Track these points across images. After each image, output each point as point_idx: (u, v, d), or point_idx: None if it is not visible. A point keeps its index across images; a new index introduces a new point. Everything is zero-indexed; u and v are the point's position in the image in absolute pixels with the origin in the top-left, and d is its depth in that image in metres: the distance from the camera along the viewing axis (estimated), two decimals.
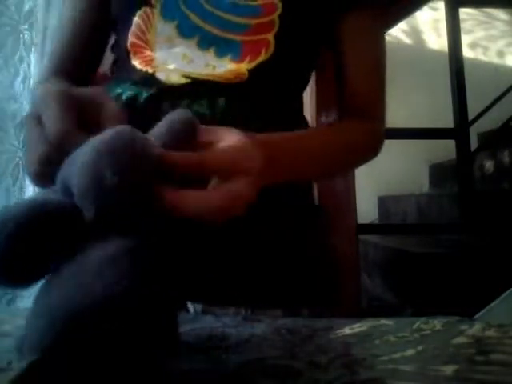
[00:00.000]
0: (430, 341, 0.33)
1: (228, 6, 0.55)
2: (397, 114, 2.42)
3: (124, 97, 0.55)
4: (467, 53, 2.45)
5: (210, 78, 0.53)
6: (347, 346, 0.33)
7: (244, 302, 0.51)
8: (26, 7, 1.36)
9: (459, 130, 1.63)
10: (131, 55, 0.57)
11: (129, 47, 0.57)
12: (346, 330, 0.36)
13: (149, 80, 0.54)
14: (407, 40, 2.86)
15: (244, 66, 0.54)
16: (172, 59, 0.55)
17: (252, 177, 0.34)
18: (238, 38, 0.54)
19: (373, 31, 0.62)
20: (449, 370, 0.27)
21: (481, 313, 1.25)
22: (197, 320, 0.39)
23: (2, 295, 1.06)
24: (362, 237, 1.59)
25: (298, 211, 0.59)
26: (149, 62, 0.56)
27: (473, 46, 2.86)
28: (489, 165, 2.12)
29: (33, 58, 1.44)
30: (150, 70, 0.55)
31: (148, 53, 0.56)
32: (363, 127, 0.59)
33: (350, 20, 0.60)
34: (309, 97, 0.88)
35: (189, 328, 0.36)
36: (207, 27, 0.55)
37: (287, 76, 0.59)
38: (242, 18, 0.55)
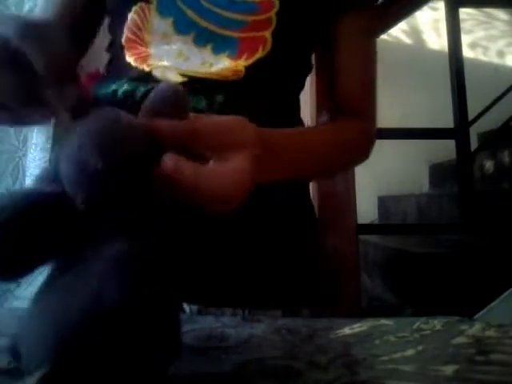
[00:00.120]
0: (430, 341, 0.32)
1: (225, 2, 0.55)
2: (397, 114, 2.44)
3: (120, 92, 0.54)
4: (467, 53, 2.45)
5: (208, 76, 0.53)
6: (347, 345, 0.33)
7: (240, 303, 0.51)
8: (26, 7, 1.36)
9: (459, 130, 1.63)
10: (126, 51, 0.56)
11: (123, 43, 0.57)
12: (346, 330, 0.36)
13: (145, 78, 0.54)
14: (407, 40, 2.86)
15: (241, 63, 0.54)
16: (167, 56, 0.54)
17: (248, 152, 0.32)
18: (235, 34, 0.54)
19: (368, 32, 0.63)
20: (449, 370, 0.27)
21: (481, 313, 1.25)
22: (196, 320, 0.39)
23: None
24: (362, 237, 1.59)
25: (292, 211, 0.58)
26: (144, 58, 0.55)
27: (473, 46, 2.86)
28: (489, 165, 2.12)
29: None
30: (147, 68, 0.54)
31: (143, 49, 0.55)
32: (357, 127, 0.59)
33: (346, 21, 0.60)
34: (309, 97, 0.88)
35: (188, 328, 0.36)
36: (204, 23, 0.55)
37: (283, 74, 0.59)
38: (239, 14, 0.55)
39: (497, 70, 2.82)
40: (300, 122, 0.64)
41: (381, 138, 1.79)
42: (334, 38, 0.61)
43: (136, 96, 0.53)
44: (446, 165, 2.39)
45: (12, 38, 0.28)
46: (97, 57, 0.68)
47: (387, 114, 2.44)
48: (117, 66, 0.59)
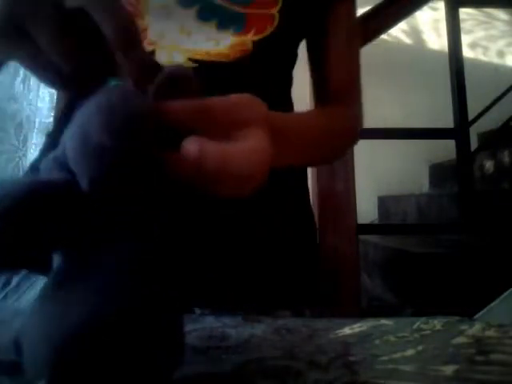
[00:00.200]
0: (430, 341, 0.33)
1: None
2: (397, 114, 2.44)
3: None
4: (467, 53, 2.45)
5: (217, 59, 0.52)
6: (347, 345, 0.33)
7: (239, 304, 0.51)
8: None
9: (459, 130, 1.63)
10: None
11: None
12: (346, 330, 0.36)
13: None
14: (407, 40, 2.86)
15: (249, 38, 0.53)
16: (169, 32, 0.51)
17: (262, 129, 0.30)
18: (241, 10, 0.53)
19: (354, 19, 0.63)
20: (449, 370, 0.27)
21: (481, 313, 1.25)
22: (197, 320, 0.39)
23: None
24: (362, 237, 1.59)
25: (291, 211, 0.58)
26: (143, 34, 0.51)
27: (473, 46, 2.86)
28: (489, 165, 2.12)
29: None
30: (149, 47, 0.51)
31: (140, 22, 0.51)
32: (348, 113, 0.60)
33: (338, 7, 0.60)
34: (308, 88, 0.88)
35: (189, 328, 0.36)
36: None
37: (287, 52, 0.59)
38: None
39: (497, 70, 2.82)
40: (291, 100, 0.64)
41: (381, 138, 1.80)
42: (326, 24, 0.61)
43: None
44: (446, 165, 2.39)
45: (80, 4, 0.26)
46: None
47: (387, 114, 2.45)
48: None
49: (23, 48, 0.27)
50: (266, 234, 0.54)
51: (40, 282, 0.50)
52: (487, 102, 1.85)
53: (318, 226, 1.46)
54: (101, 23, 0.26)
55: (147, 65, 0.27)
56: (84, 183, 0.23)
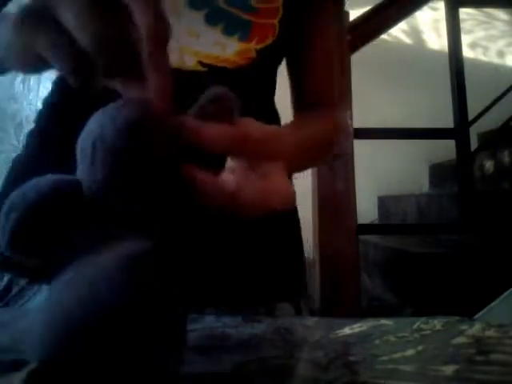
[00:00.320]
0: (430, 341, 0.33)
1: None
2: (397, 114, 2.44)
3: None
4: (467, 53, 2.46)
5: (225, 65, 0.53)
6: (347, 345, 0.33)
7: (225, 301, 0.51)
8: None
9: (459, 130, 1.63)
10: None
11: None
12: (346, 330, 0.36)
13: None
14: (407, 40, 2.86)
15: (253, 46, 0.54)
16: (177, 33, 0.52)
17: (284, 162, 0.32)
18: (248, 17, 0.54)
19: (332, 22, 0.65)
20: (449, 370, 0.27)
21: (481, 313, 1.25)
22: (197, 320, 0.39)
23: None
24: (362, 237, 1.60)
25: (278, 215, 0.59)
26: None
27: (473, 46, 2.86)
28: (489, 165, 2.12)
29: None
30: None
31: None
32: (335, 118, 0.62)
33: (318, 15, 0.62)
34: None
35: (189, 328, 0.36)
36: (219, 2, 0.53)
37: (280, 61, 0.61)
38: (252, 0, 0.54)
39: (497, 70, 2.83)
40: (274, 105, 0.65)
41: (381, 138, 1.80)
42: (305, 32, 0.62)
43: None
44: (446, 165, 2.39)
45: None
46: None
47: (387, 114, 2.45)
48: None
49: (48, 33, 0.27)
50: (256, 236, 0.54)
51: (43, 291, 0.50)
52: (487, 102, 1.85)
53: (318, 226, 1.46)
54: (138, 14, 0.26)
55: (167, 68, 0.28)
56: (94, 189, 0.24)
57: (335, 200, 1.46)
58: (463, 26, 1.76)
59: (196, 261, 0.29)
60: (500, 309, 1.26)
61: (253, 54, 0.54)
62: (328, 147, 0.61)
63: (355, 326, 0.37)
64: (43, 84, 1.47)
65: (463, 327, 0.35)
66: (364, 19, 1.58)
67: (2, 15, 0.35)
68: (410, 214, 2.32)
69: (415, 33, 2.86)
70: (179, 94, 0.31)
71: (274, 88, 0.64)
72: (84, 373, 0.21)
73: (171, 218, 0.27)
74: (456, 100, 1.65)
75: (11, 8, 0.39)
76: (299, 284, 0.61)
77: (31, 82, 1.45)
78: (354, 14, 1.55)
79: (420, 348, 0.31)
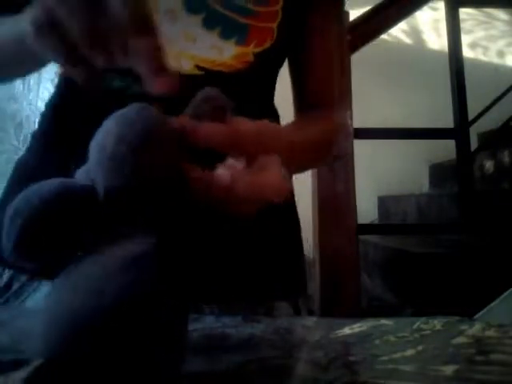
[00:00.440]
0: (430, 341, 0.33)
1: None
2: (397, 114, 2.44)
3: (115, 86, 0.51)
4: (467, 53, 2.45)
5: (221, 69, 0.53)
6: (347, 345, 0.33)
7: (221, 298, 0.51)
8: None
9: (459, 130, 1.63)
10: None
11: None
12: (346, 330, 0.36)
13: None
14: (407, 40, 2.86)
15: (250, 50, 0.54)
16: (173, 37, 0.52)
17: (280, 154, 0.32)
18: (245, 21, 0.54)
19: (335, 28, 0.65)
20: (449, 370, 0.27)
21: (481, 313, 1.25)
22: (197, 320, 0.39)
23: None
24: (362, 237, 1.60)
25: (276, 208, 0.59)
26: None
27: (473, 46, 2.86)
28: (489, 165, 2.12)
29: None
30: None
31: None
32: (338, 119, 0.63)
33: (318, 17, 0.62)
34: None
35: (189, 328, 0.36)
36: (216, 6, 0.53)
37: (280, 65, 0.61)
38: (250, 3, 0.54)
39: (497, 70, 2.83)
40: (274, 107, 0.65)
41: (381, 138, 1.80)
42: (306, 33, 0.62)
43: (126, 95, 0.51)
44: (446, 165, 2.39)
45: None
46: None
47: (387, 114, 2.45)
48: None
49: (56, 43, 0.28)
50: (255, 234, 0.54)
51: (43, 287, 0.50)
52: (487, 102, 1.85)
53: (318, 226, 1.46)
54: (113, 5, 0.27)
55: (161, 57, 0.28)
56: (100, 192, 0.25)
57: (335, 200, 1.46)
58: (463, 26, 1.76)
59: (196, 258, 0.29)
60: (500, 309, 1.26)
61: (250, 58, 0.54)
62: (328, 148, 0.61)
63: (355, 326, 0.37)
64: (43, 84, 1.47)
65: (463, 327, 0.35)
66: (364, 19, 1.58)
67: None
68: (410, 213, 2.32)
69: (415, 33, 2.86)
70: (176, 98, 0.31)
71: (273, 90, 0.64)
72: (88, 371, 0.21)
73: (173, 216, 0.27)
74: (456, 100, 1.65)
75: None
76: (298, 283, 0.61)
77: (31, 82, 1.45)
78: (354, 13, 1.55)
79: (420, 348, 0.31)
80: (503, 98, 1.90)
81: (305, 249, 0.66)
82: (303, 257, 0.65)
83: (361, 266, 1.56)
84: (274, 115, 0.63)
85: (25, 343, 0.30)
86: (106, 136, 0.25)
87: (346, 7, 1.47)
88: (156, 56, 0.28)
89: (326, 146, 0.60)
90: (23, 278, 0.52)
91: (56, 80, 0.62)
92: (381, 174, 2.61)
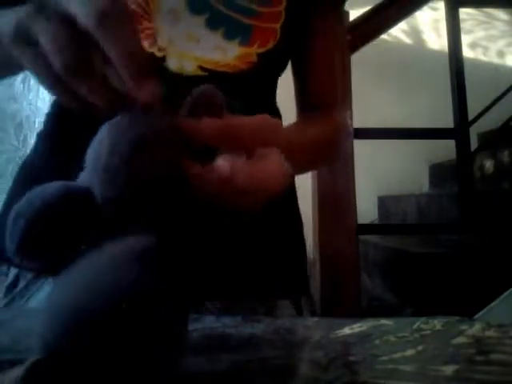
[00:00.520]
0: (430, 341, 0.33)
1: None
2: (397, 114, 2.44)
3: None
4: (467, 53, 2.45)
5: (225, 69, 0.53)
6: (347, 345, 0.33)
7: (224, 295, 0.51)
8: None
9: (459, 130, 1.63)
10: None
11: None
12: (346, 330, 0.36)
13: (157, 68, 0.52)
14: (407, 40, 2.86)
15: (254, 50, 0.54)
16: (178, 38, 0.51)
17: (279, 147, 0.33)
18: (249, 22, 0.54)
19: (338, 29, 0.66)
20: (449, 370, 0.27)
21: (481, 313, 1.25)
22: (197, 320, 0.39)
23: None
24: (362, 237, 1.60)
25: (279, 208, 0.59)
26: (149, 36, 0.51)
27: (473, 46, 2.86)
28: (489, 165, 2.12)
29: None
30: (158, 53, 0.51)
31: (149, 25, 0.51)
32: (331, 122, 0.62)
33: (322, 19, 0.62)
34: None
35: (189, 328, 0.36)
36: (219, 6, 0.53)
37: (283, 65, 0.61)
38: (253, 4, 0.54)
39: (497, 70, 2.83)
40: (276, 108, 0.66)
41: (381, 138, 1.80)
42: (310, 35, 0.62)
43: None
44: (446, 165, 2.39)
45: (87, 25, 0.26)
46: None
47: (387, 114, 2.45)
48: None
49: (31, 55, 0.28)
50: (259, 233, 0.54)
51: (47, 286, 0.50)
52: (487, 102, 1.85)
53: (318, 226, 1.46)
54: (109, 50, 0.26)
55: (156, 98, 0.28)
56: (98, 198, 0.25)
57: (335, 200, 1.46)
58: (463, 25, 1.76)
59: (197, 256, 0.29)
60: (500, 309, 1.26)
61: (254, 59, 0.54)
62: (329, 149, 0.61)
63: (355, 326, 0.37)
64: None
65: (463, 327, 0.35)
66: (364, 19, 1.58)
67: None
68: (410, 213, 2.32)
69: (415, 33, 2.86)
70: (179, 99, 0.32)
71: (275, 90, 0.64)
72: (87, 368, 0.21)
73: (173, 215, 0.27)
74: (456, 100, 1.65)
75: None
76: (300, 281, 0.61)
77: (31, 82, 1.45)
78: (354, 14, 1.55)
79: (420, 348, 0.31)
80: (503, 98, 1.90)
81: None
82: (305, 255, 0.65)
83: (361, 266, 1.56)
84: (276, 115, 0.63)
85: (25, 343, 0.30)
86: (100, 145, 0.25)
87: (346, 7, 1.47)
88: (133, 62, 0.27)
89: (327, 148, 0.60)
90: (29, 276, 0.52)
91: None
92: (381, 174, 2.61)
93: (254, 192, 0.29)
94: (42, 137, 0.59)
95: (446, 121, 1.67)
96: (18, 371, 0.21)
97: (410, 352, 0.30)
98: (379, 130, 1.68)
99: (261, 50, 0.54)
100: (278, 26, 0.55)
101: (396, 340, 0.33)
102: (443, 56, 1.80)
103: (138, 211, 0.25)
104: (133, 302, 0.21)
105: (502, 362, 0.28)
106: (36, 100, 1.45)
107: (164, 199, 0.26)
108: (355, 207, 1.48)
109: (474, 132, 1.86)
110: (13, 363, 0.24)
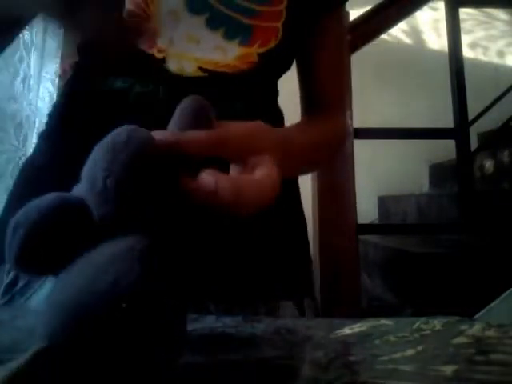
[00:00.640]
0: (430, 341, 0.33)
1: None
2: (397, 114, 2.44)
3: (115, 87, 0.51)
4: (467, 53, 2.45)
5: (225, 70, 0.53)
6: (347, 345, 0.33)
7: (226, 298, 0.51)
8: None
9: (459, 130, 1.63)
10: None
11: (125, 17, 0.50)
12: (346, 330, 0.36)
13: (154, 68, 0.50)
14: (407, 40, 2.86)
15: (254, 50, 0.53)
16: (176, 38, 0.51)
17: (272, 156, 0.33)
18: (249, 21, 0.53)
19: (341, 30, 0.66)
20: (449, 370, 0.27)
21: (481, 313, 1.25)
22: (197, 320, 0.39)
23: None
24: (361, 237, 1.60)
25: (283, 210, 0.59)
26: (151, 39, 0.51)
27: (473, 46, 2.86)
28: (489, 165, 2.12)
29: (33, 57, 1.44)
30: (158, 55, 0.51)
31: (148, 26, 0.51)
32: (336, 123, 0.62)
33: (326, 19, 0.62)
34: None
35: (189, 328, 0.36)
36: (219, 6, 0.52)
37: (286, 65, 0.61)
38: (253, 3, 0.53)
39: (497, 70, 2.83)
40: (278, 107, 0.65)
41: (381, 138, 1.80)
42: (315, 36, 0.62)
43: (129, 95, 0.51)
44: (446, 165, 2.39)
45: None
46: None
47: (387, 114, 2.45)
48: (112, 47, 0.53)
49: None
50: (262, 234, 0.54)
51: (47, 284, 0.50)
52: (487, 102, 1.85)
53: (318, 226, 1.46)
54: None
55: None
56: (95, 216, 0.26)
57: (335, 200, 1.46)
58: (463, 25, 1.76)
59: (198, 258, 0.29)
60: (500, 309, 1.26)
61: (254, 59, 0.54)
62: (330, 149, 0.61)
63: (355, 326, 0.37)
64: (43, 84, 1.47)
65: (463, 327, 0.35)
66: (364, 19, 1.58)
67: None
68: (410, 213, 2.32)
69: (415, 33, 2.86)
70: (179, 100, 0.32)
71: (277, 91, 0.64)
72: (88, 364, 0.21)
73: (172, 217, 0.28)
74: (456, 100, 1.65)
75: None
76: (303, 282, 0.61)
77: (31, 82, 1.45)
78: (353, 13, 1.55)
79: (420, 348, 0.31)
80: (503, 98, 1.90)
81: None
82: (309, 256, 0.65)
83: (361, 266, 1.56)
84: (278, 116, 0.63)
85: (25, 343, 0.30)
86: (95, 166, 0.26)
87: (346, 7, 1.47)
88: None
89: (328, 148, 0.60)
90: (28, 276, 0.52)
91: (56, 80, 0.63)
92: (381, 174, 2.61)
93: (241, 204, 0.29)
94: (44, 137, 0.59)
95: (446, 121, 1.67)
96: (16, 363, 0.21)
97: (410, 352, 0.30)
98: (379, 129, 1.68)
99: (262, 50, 0.54)
100: (279, 24, 0.54)
101: (396, 340, 0.33)
102: (443, 56, 1.80)
103: (133, 223, 0.26)
104: (132, 302, 0.22)
105: (501, 362, 0.28)
106: (36, 100, 1.45)
107: (160, 208, 0.27)
108: (355, 207, 1.48)
109: (474, 132, 1.86)
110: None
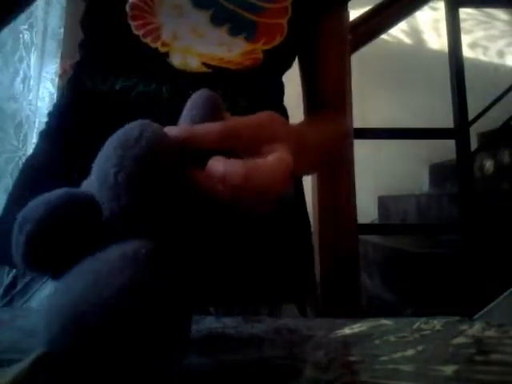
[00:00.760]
0: (430, 341, 0.33)
1: None
2: (397, 114, 2.44)
3: (116, 87, 0.51)
4: (467, 53, 2.46)
5: (229, 66, 0.52)
6: (347, 345, 0.33)
7: (227, 301, 0.51)
8: None
9: (459, 130, 1.63)
10: (131, 20, 0.49)
11: (128, 10, 0.49)
12: (346, 330, 0.36)
13: (157, 62, 0.50)
14: (407, 40, 2.86)
15: (259, 47, 0.53)
16: (182, 32, 0.51)
17: (285, 144, 0.32)
18: (253, 18, 0.53)
19: (343, 28, 0.66)
20: (449, 370, 0.27)
21: (481, 313, 1.25)
22: (197, 320, 0.39)
23: None
24: (362, 237, 1.59)
25: (287, 212, 0.58)
26: (155, 33, 0.50)
27: (473, 46, 2.86)
28: (489, 165, 2.12)
29: (33, 57, 1.44)
30: (162, 49, 0.50)
31: (152, 19, 0.50)
32: (340, 121, 0.62)
33: (329, 17, 0.62)
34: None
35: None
36: (224, 2, 0.51)
37: (290, 61, 0.61)
38: (258, 0, 0.53)
39: (497, 70, 2.83)
40: (283, 105, 0.65)
41: (381, 138, 1.80)
42: (318, 34, 0.62)
43: (131, 95, 0.51)
44: (446, 165, 2.39)
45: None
46: None
47: (387, 114, 2.45)
48: (119, 42, 0.53)
49: None
50: (266, 237, 0.54)
51: (47, 286, 0.50)
52: (487, 102, 1.85)
53: (318, 226, 1.46)
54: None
55: None
56: (104, 213, 0.26)
57: (335, 200, 1.46)
58: (463, 25, 1.76)
59: (201, 260, 0.29)
60: (500, 309, 1.26)
61: (259, 55, 0.53)
62: (332, 149, 0.60)
63: (355, 326, 0.37)
64: (43, 84, 1.47)
65: (463, 327, 0.35)
66: (364, 19, 1.58)
67: None
68: (409, 213, 2.32)
69: (415, 33, 2.86)
70: (184, 96, 0.31)
71: (282, 88, 0.63)
72: (89, 365, 0.21)
73: (178, 217, 0.27)
74: (456, 100, 1.65)
75: None
76: (305, 285, 0.61)
77: (31, 82, 1.45)
78: (353, 13, 1.55)
79: (420, 348, 0.31)
80: (503, 98, 1.90)
81: None
82: (312, 259, 0.64)
83: (361, 266, 1.56)
84: (282, 114, 0.62)
85: (25, 343, 0.30)
86: (106, 162, 0.25)
87: None
88: None
89: (330, 148, 0.59)
90: (27, 278, 0.52)
91: (56, 80, 0.63)
92: (381, 174, 2.61)
93: (251, 188, 0.28)
94: (44, 136, 0.59)
95: (446, 121, 1.67)
96: (17, 367, 0.21)
97: (410, 352, 0.30)
98: (379, 129, 1.68)
99: (267, 47, 0.53)
100: (284, 21, 0.54)
101: (396, 340, 0.33)
102: (443, 56, 1.80)
103: (143, 219, 0.26)
104: (133, 304, 0.22)
105: (501, 362, 0.28)
106: (36, 100, 1.45)
107: (168, 206, 0.26)
108: (355, 207, 1.48)
109: (474, 132, 1.86)
110: (13, 363, 0.24)
